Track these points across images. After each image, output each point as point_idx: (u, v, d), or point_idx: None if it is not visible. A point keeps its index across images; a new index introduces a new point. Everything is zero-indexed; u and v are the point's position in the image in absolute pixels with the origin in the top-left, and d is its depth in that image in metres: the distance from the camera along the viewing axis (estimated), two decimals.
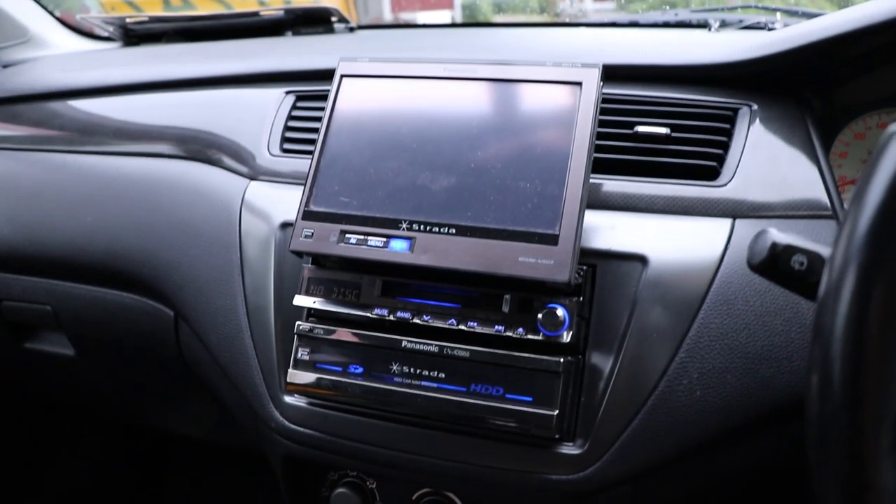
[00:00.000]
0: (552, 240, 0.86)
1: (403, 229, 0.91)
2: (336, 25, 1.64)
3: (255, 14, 1.64)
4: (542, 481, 0.91)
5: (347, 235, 0.92)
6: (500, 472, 0.92)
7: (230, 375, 1.07)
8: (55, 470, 1.94)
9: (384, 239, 0.91)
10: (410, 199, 0.92)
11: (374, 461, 0.98)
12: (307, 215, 0.95)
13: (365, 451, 0.97)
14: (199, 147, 1.23)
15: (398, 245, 0.90)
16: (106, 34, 1.80)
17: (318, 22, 1.64)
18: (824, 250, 0.72)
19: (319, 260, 0.98)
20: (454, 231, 0.89)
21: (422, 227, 0.90)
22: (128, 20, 1.69)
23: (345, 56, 1.03)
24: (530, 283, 0.88)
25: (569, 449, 0.90)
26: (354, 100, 1.00)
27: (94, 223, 1.26)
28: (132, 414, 1.69)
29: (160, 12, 2.23)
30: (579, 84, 0.93)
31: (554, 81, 0.94)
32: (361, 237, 0.92)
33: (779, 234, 0.72)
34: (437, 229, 0.90)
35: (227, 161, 1.19)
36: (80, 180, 1.31)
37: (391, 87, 0.99)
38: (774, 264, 0.72)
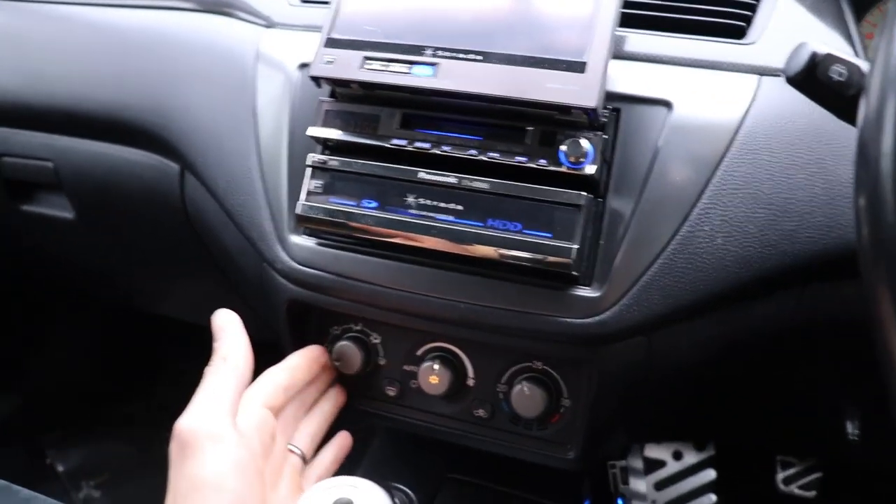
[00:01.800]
0: (580, 67, 0.84)
1: (428, 55, 0.89)
2: None
3: None
4: (556, 324, 0.89)
5: (370, 61, 0.90)
6: (513, 314, 0.90)
7: (236, 219, 1.04)
8: (48, 353, 1.93)
9: (408, 65, 0.89)
10: (436, 26, 0.90)
11: (384, 304, 0.96)
12: (330, 42, 0.92)
13: (374, 293, 0.95)
14: None
15: (422, 70, 0.88)
16: None
17: None
18: (865, 65, 0.71)
19: (337, 93, 0.96)
20: (480, 57, 0.87)
21: (447, 52, 0.88)
22: None
23: None
24: (556, 112, 0.86)
25: (585, 292, 0.89)
26: None
27: (102, 73, 1.24)
28: (127, 290, 1.67)
29: None
30: None
31: None
32: (384, 63, 0.90)
33: (819, 44, 0.71)
34: (462, 55, 0.88)
35: (241, 12, 1.16)
36: (88, 31, 1.28)
37: None
38: (813, 74, 0.71)
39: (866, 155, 0.54)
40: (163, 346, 2.12)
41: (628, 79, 0.92)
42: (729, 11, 0.98)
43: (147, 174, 1.23)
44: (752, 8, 0.99)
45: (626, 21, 0.97)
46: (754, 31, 0.96)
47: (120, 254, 1.48)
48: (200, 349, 2.04)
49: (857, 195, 0.57)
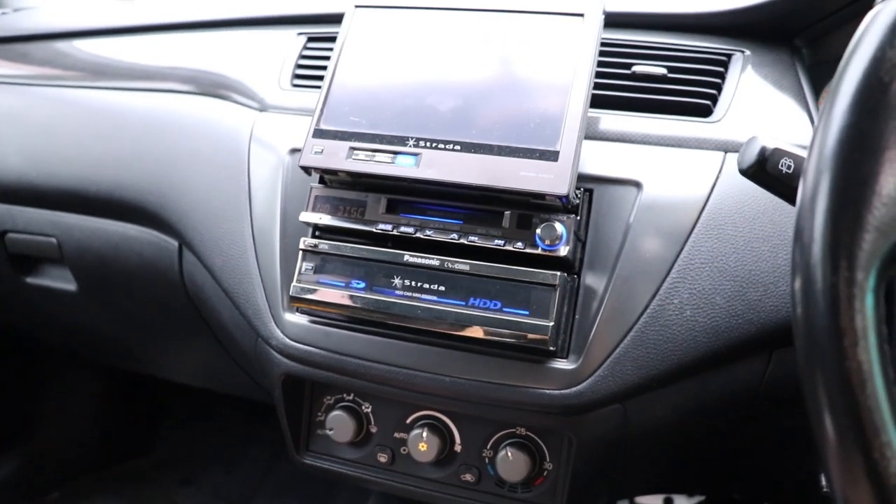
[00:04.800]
0: (553, 156, 0.89)
1: (410, 145, 0.94)
2: None
3: None
4: (536, 396, 0.94)
5: (356, 151, 0.96)
6: (494, 387, 0.95)
7: (232, 297, 1.10)
8: (49, 414, 1.96)
9: (391, 155, 0.94)
10: (417, 118, 0.96)
11: (374, 378, 1.00)
12: (318, 133, 0.98)
13: (364, 368, 1.00)
14: (209, 83, 1.26)
15: (405, 160, 0.94)
16: None
17: None
18: None
19: (326, 180, 1.01)
20: (459, 147, 0.93)
21: (428, 143, 0.94)
22: None
23: None
24: (530, 198, 0.91)
25: (562, 364, 0.94)
26: (367, 28, 1.03)
27: (102, 154, 1.29)
28: (128, 356, 1.71)
29: None
30: (581, 15, 0.96)
31: (557, 13, 0.97)
32: (369, 153, 0.95)
33: (768, 138, 0.76)
34: (442, 146, 0.93)
35: (237, 96, 1.22)
36: (89, 114, 1.34)
37: (402, 16, 1.03)
38: (763, 167, 0.76)
39: (801, 239, 0.56)
40: (161, 407, 2.16)
41: (600, 160, 0.98)
42: (695, 91, 1.04)
43: (147, 250, 1.28)
44: (718, 87, 1.04)
45: (596, 102, 1.03)
46: (720, 109, 1.02)
47: (121, 323, 1.53)
48: (197, 409, 2.09)
49: (792, 278, 0.58)
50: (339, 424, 1.07)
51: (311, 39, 1.25)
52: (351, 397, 1.08)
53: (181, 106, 1.27)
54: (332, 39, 1.21)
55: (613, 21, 1.12)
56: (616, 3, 1.16)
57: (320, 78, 1.17)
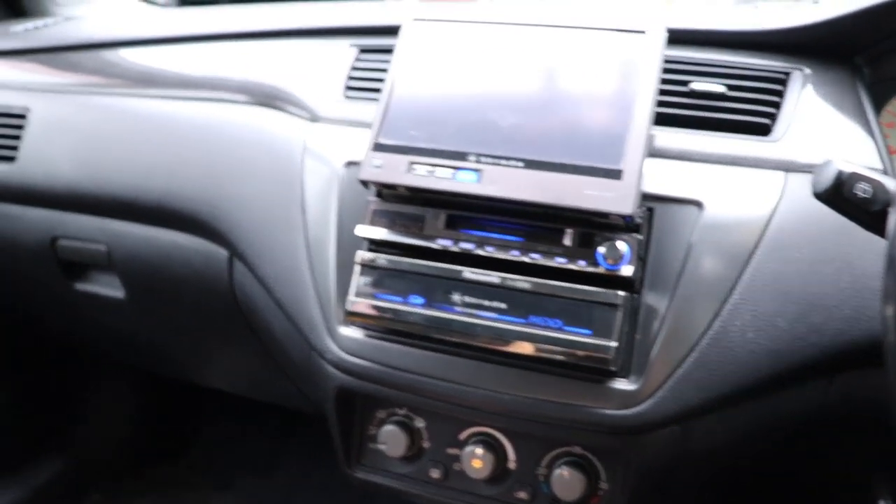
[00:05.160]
0: (616, 174, 0.89)
1: (471, 161, 0.94)
2: None
3: None
4: (594, 416, 0.93)
5: (415, 166, 0.95)
6: (553, 406, 0.94)
7: (286, 309, 1.10)
8: (90, 417, 1.98)
9: (452, 170, 0.94)
10: (478, 133, 0.95)
11: (429, 394, 1.00)
12: (377, 147, 0.98)
13: (420, 383, 1.00)
14: (261, 93, 1.26)
15: (466, 176, 0.93)
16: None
17: None
18: (890, 182, 0.75)
19: (383, 194, 1.01)
20: (521, 164, 0.92)
21: (489, 159, 0.93)
22: None
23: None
24: (593, 216, 0.90)
25: (622, 384, 0.93)
26: (425, 41, 1.03)
27: (153, 163, 1.30)
28: (171, 363, 1.72)
29: None
30: (643, 32, 0.96)
31: (619, 30, 0.97)
32: (430, 168, 0.95)
33: (844, 162, 0.75)
34: (504, 162, 0.93)
35: (289, 106, 1.22)
36: (140, 122, 1.34)
37: (461, 30, 1.02)
38: (839, 191, 0.75)
39: (894, 267, 0.57)
40: (198, 411, 2.17)
41: (660, 178, 0.97)
42: (754, 109, 1.02)
43: (196, 259, 1.29)
44: (777, 105, 1.03)
45: (656, 119, 1.01)
46: (779, 128, 1.01)
47: (166, 330, 1.54)
48: (234, 414, 2.10)
49: (884, 305, 0.59)
50: (391, 439, 1.06)
51: (363, 51, 1.24)
52: (404, 412, 1.08)
53: (233, 115, 1.27)
54: (385, 51, 1.22)
55: (670, 37, 1.11)
56: (673, 20, 1.15)
57: (373, 90, 1.17)
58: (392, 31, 1.20)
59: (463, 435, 1.06)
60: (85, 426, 2.01)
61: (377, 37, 1.26)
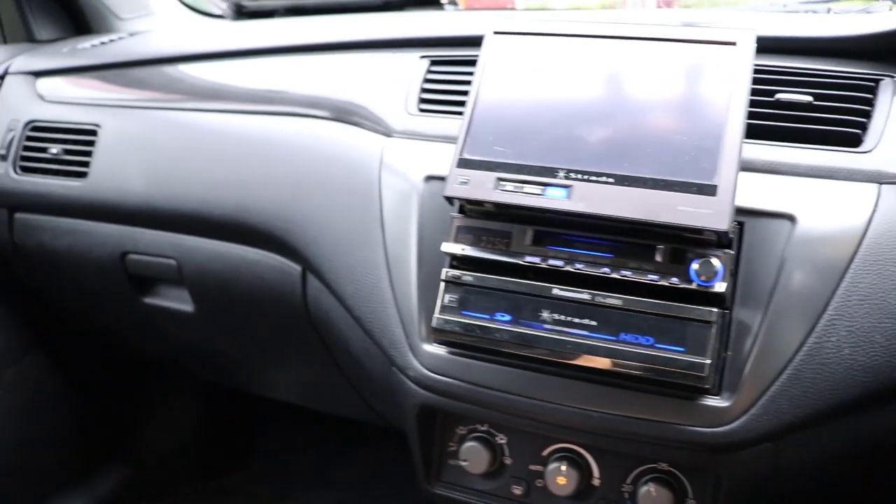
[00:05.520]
0: (711, 190, 0.87)
1: (560, 177, 0.93)
2: (446, 6, 1.67)
3: None
4: (686, 433, 0.92)
5: (503, 182, 0.94)
6: (644, 423, 0.93)
7: (365, 326, 1.09)
8: (153, 427, 2.00)
9: (541, 186, 0.93)
10: (567, 149, 0.94)
11: (515, 411, 0.99)
12: (462, 163, 0.97)
13: (506, 401, 0.99)
14: (332, 107, 1.26)
15: (555, 192, 0.92)
16: (218, 10, 1.85)
17: (429, 2, 1.67)
18: None
19: (467, 210, 1.00)
20: (612, 180, 0.91)
21: (579, 175, 0.92)
22: None
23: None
24: (686, 233, 0.89)
25: (715, 402, 0.91)
26: (506, 55, 1.02)
27: (226, 178, 1.30)
28: (236, 374, 1.73)
29: None
30: (733, 44, 0.94)
31: (709, 41, 0.95)
32: (518, 184, 0.94)
33: None
34: (594, 178, 0.91)
35: (363, 120, 1.22)
36: (211, 137, 1.35)
37: (543, 43, 1.01)
38: None
39: None
40: (258, 421, 2.18)
41: (750, 192, 0.95)
42: (843, 119, 1.00)
43: (268, 274, 1.29)
44: (867, 115, 1.01)
45: None
46: (870, 139, 0.99)
47: (234, 342, 1.54)
48: (294, 424, 2.11)
49: None
50: (473, 456, 1.05)
51: (434, 62, 1.24)
52: (485, 428, 1.07)
53: (305, 130, 1.27)
54: (457, 63, 1.21)
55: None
56: (756, 28, 1.13)
57: (447, 102, 1.16)
58: (463, 41, 1.19)
59: (546, 451, 1.05)
60: (147, 436, 2.03)
61: (447, 48, 1.25)
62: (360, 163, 1.16)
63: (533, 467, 1.06)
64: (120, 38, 1.70)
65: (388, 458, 1.89)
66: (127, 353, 1.88)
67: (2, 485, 1.62)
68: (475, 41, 1.09)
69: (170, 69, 1.49)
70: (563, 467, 1.01)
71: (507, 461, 1.07)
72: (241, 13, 1.81)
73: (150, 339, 1.70)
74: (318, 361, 1.37)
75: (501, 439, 1.07)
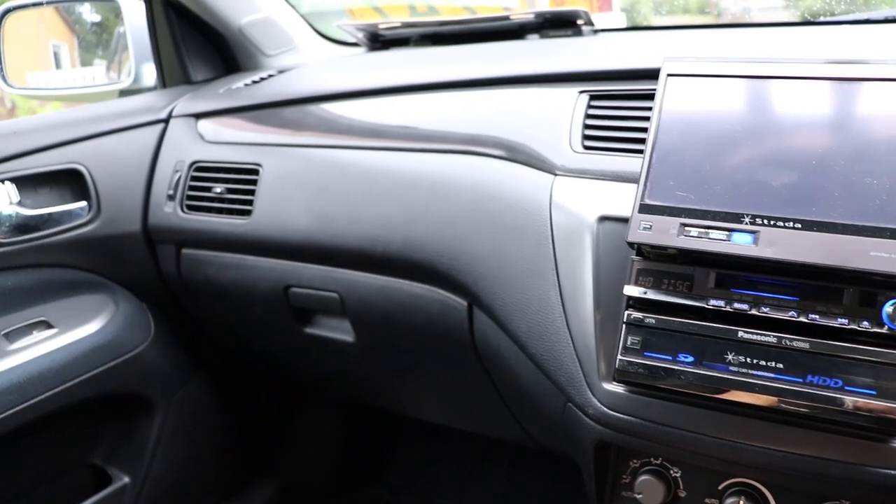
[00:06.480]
0: None
1: (746, 223, 0.94)
2: (583, 28, 1.67)
3: (506, 18, 1.69)
4: (877, 476, 0.92)
5: (687, 228, 0.96)
6: (832, 465, 0.93)
7: (539, 363, 1.12)
8: (299, 443, 2.08)
9: (727, 232, 0.94)
10: (751, 193, 0.95)
11: (696, 449, 1.00)
12: (644, 208, 0.99)
13: (686, 439, 1.00)
14: (493, 144, 1.29)
15: (741, 238, 0.93)
16: (353, 40, 1.90)
17: (565, 25, 1.68)
18: None
19: (646, 252, 1.02)
20: (800, 225, 0.91)
21: (765, 220, 0.93)
22: (381, 26, 1.78)
23: (667, 57, 1.06)
24: (878, 277, 0.89)
25: None
26: (683, 98, 1.03)
27: (391, 215, 1.34)
28: (391, 399, 1.77)
29: (408, 18, 2.32)
30: None
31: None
32: (703, 230, 0.95)
33: None
34: (781, 223, 0.92)
35: (527, 158, 1.24)
36: (373, 176, 1.39)
37: (720, 85, 1.02)
38: None
39: None
40: (395, 434, 2.24)
41: None
42: None
43: (432, 308, 1.32)
44: None
45: None
46: None
47: (393, 371, 1.59)
48: (430, 438, 2.15)
49: None
50: (647, 489, 1.07)
51: (594, 97, 1.24)
52: (659, 461, 1.09)
53: (469, 167, 1.30)
54: (617, 97, 1.22)
55: None
56: None
57: (612, 139, 1.18)
58: (620, 75, 1.21)
59: (722, 485, 1.06)
60: (294, 453, 2.11)
61: (605, 82, 1.26)
62: (528, 201, 1.19)
63: (708, 501, 1.07)
64: (270, 76, 1.76)
65: (525, 472, 1.91)
66: (286, 378, 1.95)
67: (168, 499, 1.70)
68: (633, 75, 1.10)
69: (324, 106, 1.54)
70: (741, 502, 1.02)
71: (682, 494, 1.08)
72: (377, 41, 1.86)
73: (306, 364, 1.76)
74: (476, 386, 1.40)
75: (675, 472, 1.08)
